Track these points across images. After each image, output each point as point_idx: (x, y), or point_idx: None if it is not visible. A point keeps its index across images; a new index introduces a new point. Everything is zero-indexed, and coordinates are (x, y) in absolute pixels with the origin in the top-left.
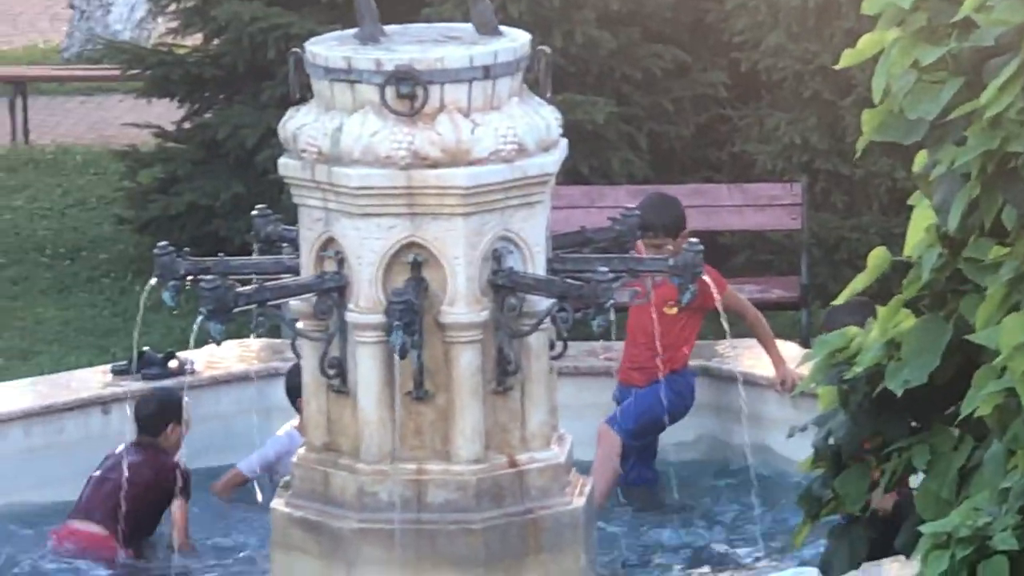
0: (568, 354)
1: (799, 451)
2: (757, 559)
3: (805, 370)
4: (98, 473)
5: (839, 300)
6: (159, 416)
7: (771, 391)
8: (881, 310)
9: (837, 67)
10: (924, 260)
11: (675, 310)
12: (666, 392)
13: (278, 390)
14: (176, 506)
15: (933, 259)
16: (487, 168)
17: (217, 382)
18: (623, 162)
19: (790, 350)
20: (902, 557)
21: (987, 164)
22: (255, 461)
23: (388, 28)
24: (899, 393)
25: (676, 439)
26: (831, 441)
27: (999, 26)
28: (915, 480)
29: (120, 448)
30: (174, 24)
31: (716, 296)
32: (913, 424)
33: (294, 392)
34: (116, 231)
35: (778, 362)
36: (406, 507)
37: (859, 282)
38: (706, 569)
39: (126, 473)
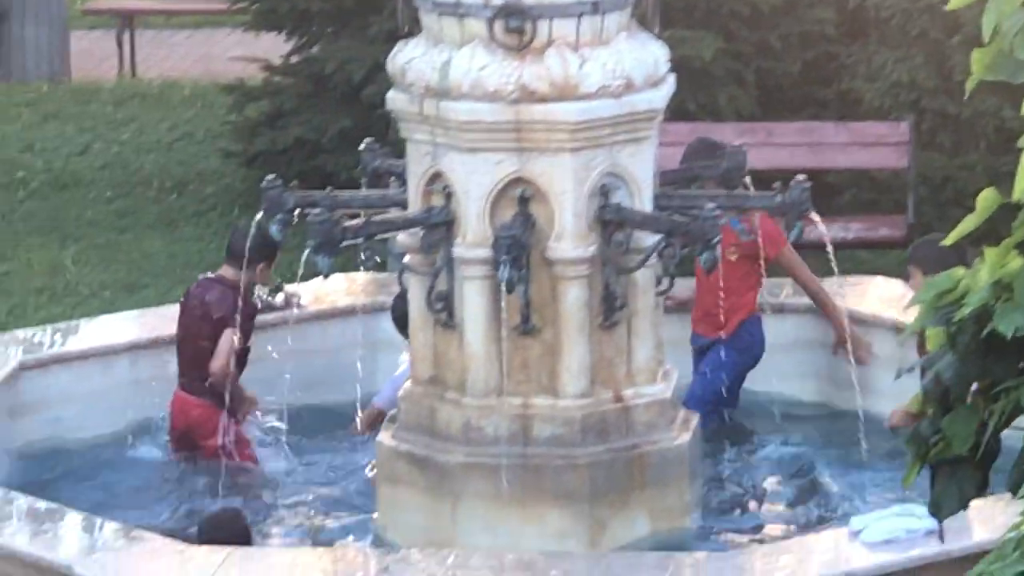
0: (675, 290)
1: (907, 388)
2: (860, 494)
3: (912, 312)
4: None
5: (948, 241)
6: (256, 250)
7: (877, 328)
8: (989, 252)
9: (948, 8)
10: None
11: (735, 256)
12: (728, 352)
13: (385, 324)
14: (226, 333)
15: None
16: (595, 103)
17: (324, 316)
18: (730, 99)
19: (895, 288)
20: (1007, 495)
21: None
22: (389, 394)
23: None
24: (1010, 335)
25: (782, 372)
26: (939, 382)
27: None
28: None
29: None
30: None
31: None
32: (1021, 365)
33: (402, 320)
34: (223, 165)
35: (840, 326)
36: (512, 441)
37: (967, 224)
38: (810, 505)
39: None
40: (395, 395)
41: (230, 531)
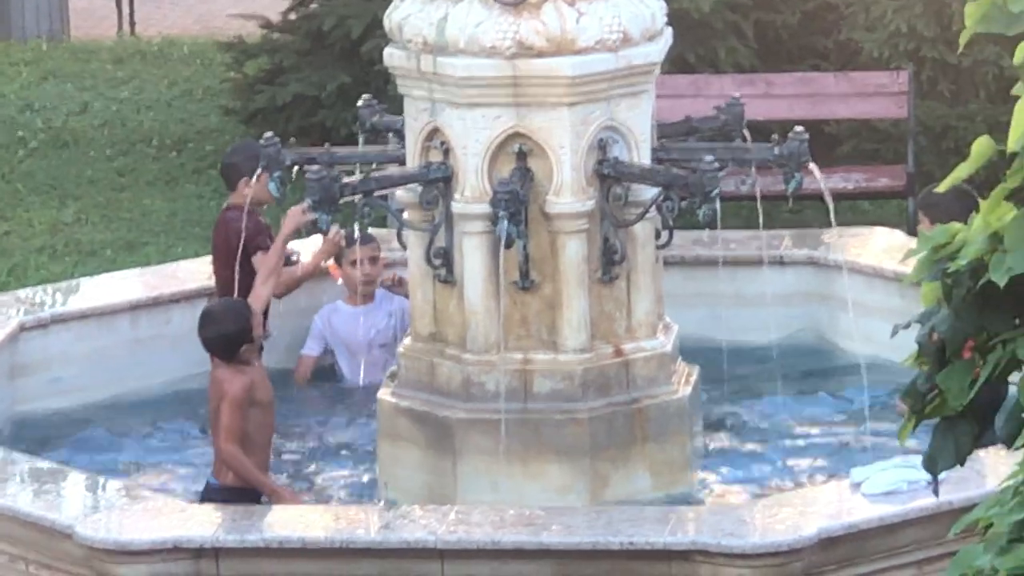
0: (674, 243)
1: (905, 341)
2: (861, 445)
3: (909, 265)
4: None
5: (941, 188)
6: (232, 168)
7: (879, 279)
8: (984, 202)
9: None
10: None
11: None
12: None
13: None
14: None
15: None
16: (592, 57)
17: (325, 272)
18: (729, 51)
19: (896, 238)
20: (1003, 449)
21: None
22: (313, 344)
23: None
24: (1003, 283)
25: (784, 325)
26: (935, 336)
27: None
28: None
29: None
30: None
31: None
32: (1016, 319)
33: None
34: (222, 122)
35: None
36: (512, 397)
37: (962, 170)
38: (809, 459)
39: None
40: (320, 341)
41: (215, 323)
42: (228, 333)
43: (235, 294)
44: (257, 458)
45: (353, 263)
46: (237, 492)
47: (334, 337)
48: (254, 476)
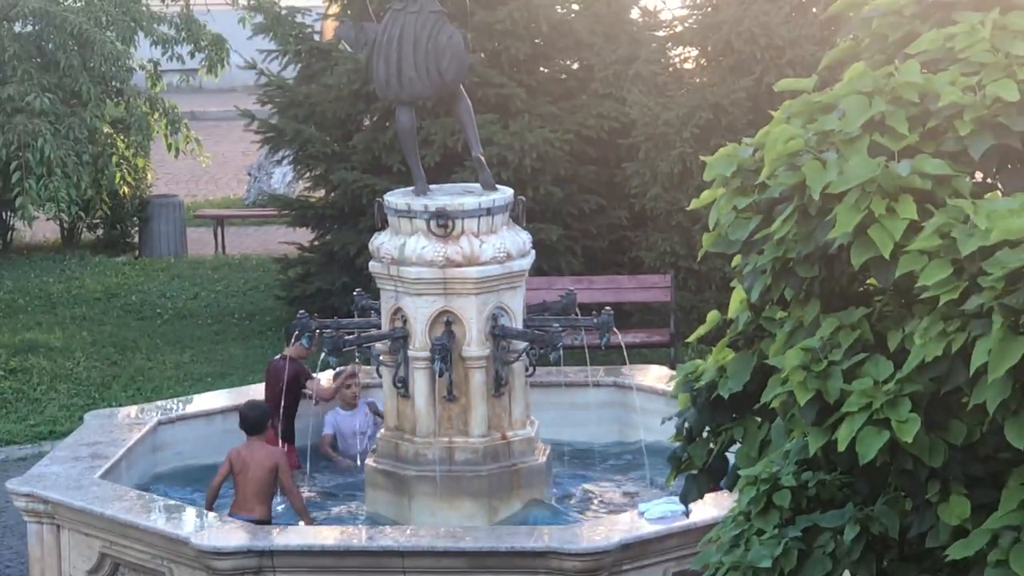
0: (536, 374)
1: (670, 430)
2: (639, 494)
3: (672, 385)
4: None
5: (690, 339)
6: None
7: (655, 394)
8: (714, 349)
9: (689, 208)
10: (739, 319)
11: None
12: None
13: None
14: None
15: (744, 319)
16: (489, 267)
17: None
18: (567, 263)
19: (664, 371)
20: (726, 492)
21: (776, 264)
22: (329, 428)
23: (432, 186)
24: (726, 396)
25: (600, 422)
26: (686, 425)
27: (782, 186)
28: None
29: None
30: (308, 184)
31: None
32: (734, 416)
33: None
34: (276, 304)
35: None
36: (442, 463)
37: (700, 331)
38: (612, 498)
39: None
40: (332, 428)
41: (255, 412)
42: (267, 410)
43: (280, 413)
44: (297, 495)
45: (347, 385)
46: (262, 523)
47: (336, 427)
48: (304, 509)
